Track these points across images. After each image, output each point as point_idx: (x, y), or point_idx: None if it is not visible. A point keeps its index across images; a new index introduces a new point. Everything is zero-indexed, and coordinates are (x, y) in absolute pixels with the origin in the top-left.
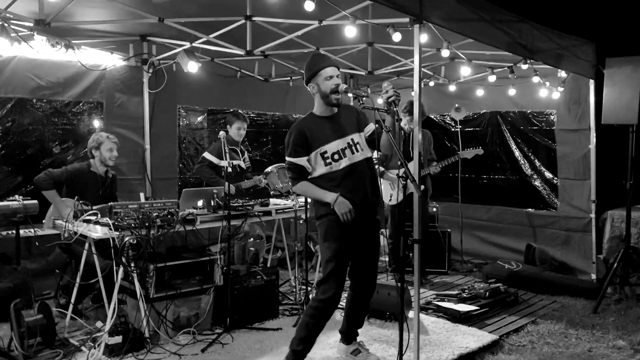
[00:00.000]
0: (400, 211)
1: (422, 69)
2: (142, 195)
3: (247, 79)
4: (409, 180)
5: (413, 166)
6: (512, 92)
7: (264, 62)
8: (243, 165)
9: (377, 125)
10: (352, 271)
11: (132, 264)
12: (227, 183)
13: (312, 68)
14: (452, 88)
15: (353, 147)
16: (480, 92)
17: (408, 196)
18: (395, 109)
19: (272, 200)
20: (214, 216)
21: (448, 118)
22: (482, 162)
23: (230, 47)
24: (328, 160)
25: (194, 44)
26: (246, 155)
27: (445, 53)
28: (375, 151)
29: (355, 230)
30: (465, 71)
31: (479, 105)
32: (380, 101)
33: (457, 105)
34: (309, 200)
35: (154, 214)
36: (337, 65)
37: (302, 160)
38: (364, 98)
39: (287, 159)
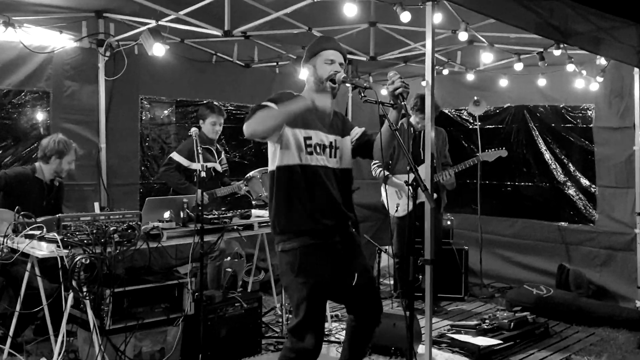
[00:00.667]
0: (408, 225)
1: (436, 55)
2: (96, 205)
3: (225, 65)
4: (419, 189)
5: (424, 170)
6: (541, 82)
7: (245, 44)
8: (219, 168)
9: (385, 119)
10: (349, 306)
11: (85, 289)
12: (199, 190)
13: (314, 48)
14: (470, 77)
15: (333, 151)
16: (503, 83)
17: (418, 206)
18: (402, 102)
19: (255, 212)
20: (183, 231)
21: (465, 113)
22: (505, 166)
23: (204, 27)
24: (309, 149)
25: (160, 22)
26: (223, 156)
27: (462, 36)
28: (375, 156)
29: (333, 255)
30: (486, 57)
31: (502, 98)
32: (384, 92)
33: (476, 97)
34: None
35: (111, 228)
36: (343, 51)
37: None
38: (366, 89)
39: (265, 102)
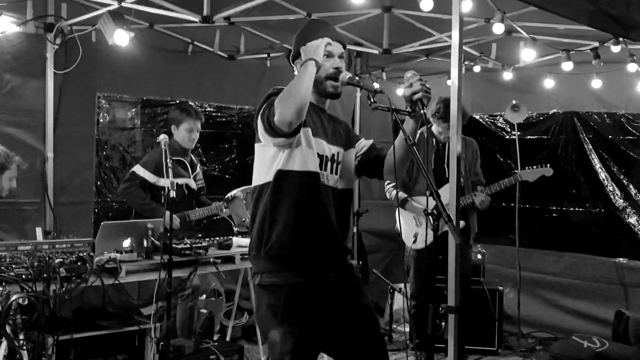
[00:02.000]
0: (429, 259)
1: (465, 48)
2: (38, 230)
3: (203, 56)
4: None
5: (449, 192)
6: (596, 84)
7: (229, 31)
8: (193, 185)
9: (400, 129)
10: None
11: (22, 336)
12: (168, 212)
13: (303, 39)
14: (507, 76)
15: (335, 165)
16: (548, 84)
17: (441, 237)
18: (422, 110)
19: (237, 240)
20: (147, 263)
21: (501, 120)
22: (550, 187)
23: (178, 11)
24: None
25: (123, 4)
26: (198, 169)
27: (498, 28)
28: (386, 176)
29: (327, 297)
30: (527, 53)
31: (546, 102)
32: (400, 92)
33: (514, 101)
34: None
35: (57, 261)
36: (342, 40)
37: None
38: (376, 93)
39: (272, 90)
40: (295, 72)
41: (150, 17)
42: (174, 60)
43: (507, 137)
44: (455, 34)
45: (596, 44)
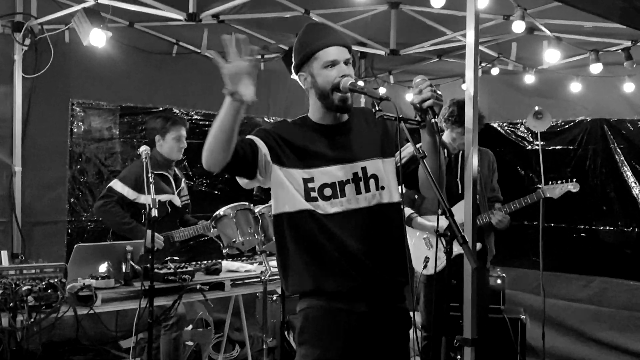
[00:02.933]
0: (441, 285)
1: (481, 49)
2: (4, 253)
3: (190, 58)
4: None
5: (463, 210)
6: (628, 88)
7: (218, 30)
8: (177, 201)
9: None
10: None
11: None
12: (149, 232)
13: (304, 47)
14: (528, 79)
15: (362, 183)
16: (575, 88)
17: (454, 260)
18: (433, 119)
19: (226, 264)
20: (126, 291)
21: (522, 129)
22: (577, 203)
23: (162, 8)
24: (313, 194)
25: (99, 0)
26: (183, 184)
27: (518, 26)
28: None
29: (353, 328)
30: (551, 54)
31: (572, 108)
32: (409, 98)
33: (537, 107)
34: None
35: (24, 288)
36: (347, 43)
37: (260, 144)
38: (381, 101)
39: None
40: (302, 84)
41: (130, 14)
42: (156, 62)
43: (529, 147)
44: (470, 33)
45: (628, 44)
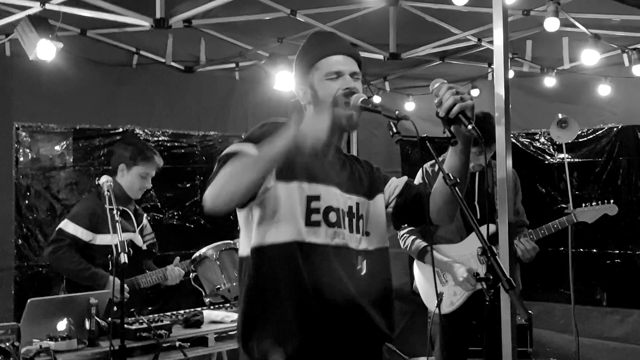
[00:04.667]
0: (458, 326)
1: (491, 47)
2: None
3: (153, 69)
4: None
5: (499, 244)
6: None
7: (185, 36)
8: (139, 241)
9: (444, 173)
10: None
11: None
12: (112, 279)
13: (307, 56)
14: (549, 82)
15: (354, 220)
16: (603, 90)
17: (474, 297)
18: (469, 126)
19: (208, 314)
20: (92, 353)
21: (542, 140)
22: (609, 225)
23: (122, 13)
24: (315, 217)
25: (47, 5)
26: (145, 221)
27: (551, 23)
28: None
29: None
30: (588, 55)
31: (599, 113)
32: (410, 107)
33: (561, 115)
34: None
35: None
36: (355, 54)
37: None
38: (398, 120)
39: (234, 146)
40: (301, 98)
41: (84, 22)
42: (114, 76)
43: (549, 160)
44: (498, 32)
45: None
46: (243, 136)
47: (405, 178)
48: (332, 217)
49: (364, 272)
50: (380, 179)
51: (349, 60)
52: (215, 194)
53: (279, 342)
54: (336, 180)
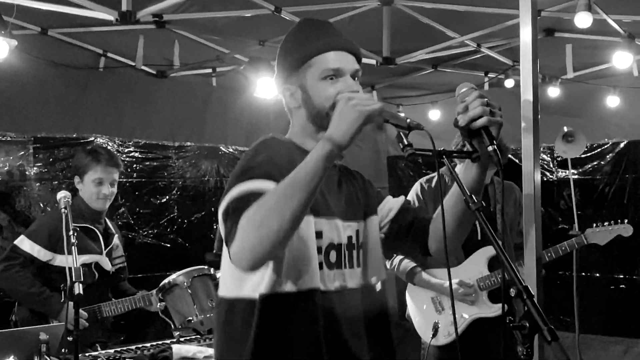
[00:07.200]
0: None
1: (491, 54)
2: None
3: (122, 73)
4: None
5: (480, 263)
6: None
7: (158, 37)
8: (107, 264)
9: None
10: None
11: None
12: (67, 305)
13: (295, 49)
14: (553, 92)
15: (354, 252)
16: (611, 102)
17: (473, 325)
18: (491, 147)
19: (178, 349)
20: None
21: (542, 156)
22: (614, 247)
23: (85, 5)
24: (321, 258)
25: None
26: (116, 240)
27: (583, 20)
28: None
29: None
30: (621, 57)
31: (603, 127)
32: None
33: (567, 128)
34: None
35: None
36: (356, 50)
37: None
38: (410, 130)
39: (241, 185)
40: (284, 104)
41: (43, 17)
42: (79, 79)
43: (550, 177)
44: (526, 30)
45: None
46: (236, 174)
47: (402, 199)
48: (332, 256)
49: (363, 310)
50: (374, 198)
51: (350, 58)
52: (253, 249)
53: None
54: (337, 208)
